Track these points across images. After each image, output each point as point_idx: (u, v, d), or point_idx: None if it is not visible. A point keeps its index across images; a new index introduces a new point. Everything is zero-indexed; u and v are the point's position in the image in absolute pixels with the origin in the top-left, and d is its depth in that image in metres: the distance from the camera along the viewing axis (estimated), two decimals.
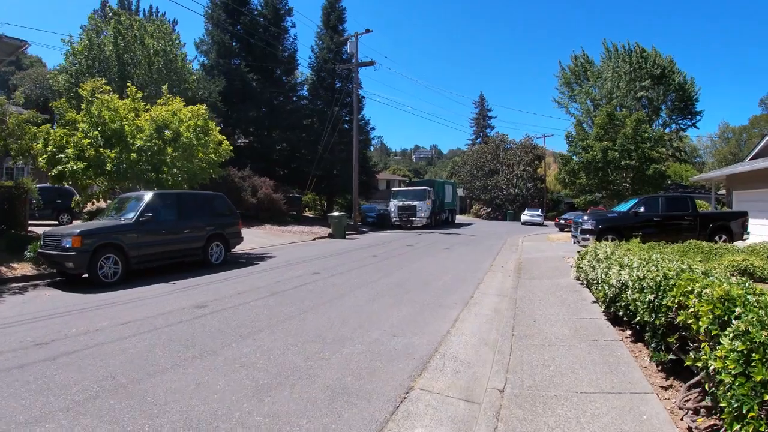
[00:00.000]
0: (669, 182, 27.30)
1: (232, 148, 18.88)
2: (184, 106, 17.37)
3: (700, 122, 44.62)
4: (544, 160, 61.19)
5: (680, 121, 45.69)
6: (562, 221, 35.62)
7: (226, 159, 18.88)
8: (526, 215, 46.62)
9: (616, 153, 24.19)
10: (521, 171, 58.30)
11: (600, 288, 7.23)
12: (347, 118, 37.96)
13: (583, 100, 43.82)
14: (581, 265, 9.35)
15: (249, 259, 15.77)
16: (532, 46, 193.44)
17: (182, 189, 16.64)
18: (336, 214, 24.99)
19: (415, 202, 33.49)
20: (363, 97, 40.14)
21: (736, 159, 63.53)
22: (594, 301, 8.13)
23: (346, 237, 24.70)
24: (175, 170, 16.59)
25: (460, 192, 62.73)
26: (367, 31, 32.00)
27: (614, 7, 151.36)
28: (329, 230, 25.19)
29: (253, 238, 22.02)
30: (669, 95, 43.63)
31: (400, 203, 34.10)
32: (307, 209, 43.08)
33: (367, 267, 13.63)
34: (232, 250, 15.63)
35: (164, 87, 19.20)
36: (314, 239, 23.92)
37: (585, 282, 9.15)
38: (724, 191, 34.84)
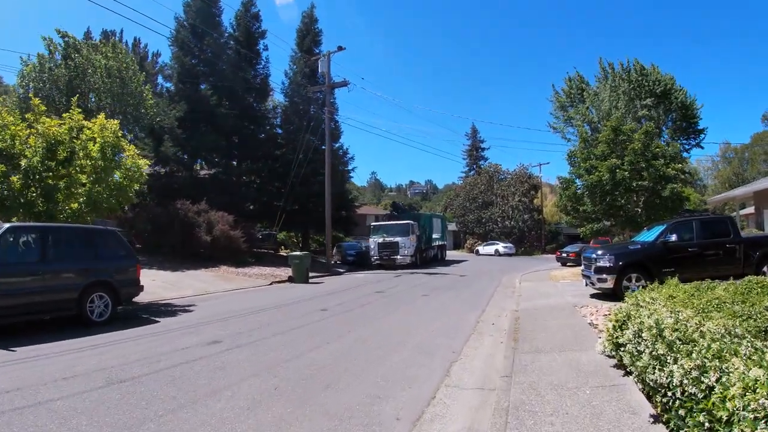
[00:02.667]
0: (686, 205, 23.50)
1: (146, 172, 15.29)
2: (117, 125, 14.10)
3: (703, 141, 41.36)
4: (540, 190, 57.69)
5: (683, 141, 42.45)
6: (564, 255, 31.95)
7: (142, 186, 15.30)
8: (503, 248, 50.18)
9: (626, 173, 20.45)
10: (516, 202, 54.71)
11: (685, 409, 3.38)
12: (323, 148, 34.45)
13: (579, 123, 40.47)
14: (620, 339, 5.46)
15: (157, 313, 12.14)
16: (525, 71, 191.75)
17: (85, 222, 13.14)
18: (297, 254, 21.05)
19: (398, 239, 29.52)
20: (336, 121, 36.59)
21: (740, 180, 60.25)
22: (654, 419, 4.24)
23: (310, 281, 20.73)
24: (81, 199, 13.24)
25: (452, 226, 59.09)
26: (340, 48, 28.78)
27: (610, 27, 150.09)
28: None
29: (193, 283, 18.26)
30: (670, 115, 40.54)
31: (381, 240, 30.11)
32: (282, 247, 39.15)
33: (302, 329, 9.66)
34: (135, 300, 12.34)
35: (74, 99, 15.66)
36: (271, 284, 20.01)
37: (632, 369, 5.19)
38: (747, 210, 31.36)
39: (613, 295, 12.10)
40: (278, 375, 6.36)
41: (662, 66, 47.51)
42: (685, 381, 3.56)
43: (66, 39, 27.14)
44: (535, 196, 56.57)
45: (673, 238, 12.58)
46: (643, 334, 4.98)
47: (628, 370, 5.38)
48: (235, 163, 34.26)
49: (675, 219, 14.01)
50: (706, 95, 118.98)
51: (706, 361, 3.51)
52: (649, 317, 5.25)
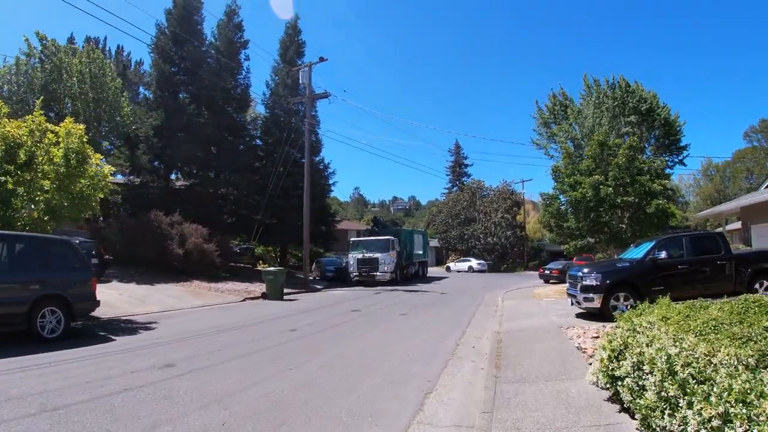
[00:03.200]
0: (671, 221, 23.07)
1: (120, 181, 14.54)
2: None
3: (686, 159, 41.41)
4: (523, 207, 57.39)
5: (665, 158, 42.46)
6: (547, 272, 31.51)
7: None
8: (477, 264, 50.25)
9: (610, 188, 19.99)
10: (499, 218, 54.33)
11: None
12: (303, 161, 33.72)
13: (563, 140, 40.26)
14: (617, 372, 4.78)
15: (115, 330, 11.34)
16: (512, 84, 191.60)
17: (45, 232, 12.41)
18: (271, 269, 20.21)
19: (377, 255, 28.74)
20: (317, 134, 35.98)
21: (722, 196, 60.53)
22: None
23: (285, 298, 19.88)
24: (41, 206, 12.58)
25: (434, 242, 58.53)
26: (321, 59, 28.24)
27: (593, 46, 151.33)
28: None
29: (162, 298, 17.38)
30: (653, 132, 40.57)
31: (360, 255, 29.31)
32: (261, 262, 38.16)
33: (266, 352, 8.87)
34: (96, 315, 11.92)
35: (38, 101, 14.87)
36: (243, 300, 19.15)
37: (631, 406, 4.50)
38: (732, 226, 31.19)
39: (601, 315, 11.53)
40: (229, 407, 5.60)
41: (643, 81, 47.58)
42: (703, 431, 2.91)
43: (44, 42, 26.30)
44: (517, 213, 56.28)
45: (663, 255, 12.02)
46: (644, 367, 4.35)
47: (625, 406, 4.72)
48: (212, 174, 33.31)
49: (664, 235, 13.48)
50: (687, 112, 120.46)
51: (728, 406, 2.87)
52: (648, 345, 4.63)
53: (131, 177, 30.37)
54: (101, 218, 29.96)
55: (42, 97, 17.14)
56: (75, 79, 25.51)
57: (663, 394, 3.55)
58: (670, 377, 3.58)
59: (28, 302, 9.40)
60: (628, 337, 5.08)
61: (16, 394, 5.99)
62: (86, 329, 11.40)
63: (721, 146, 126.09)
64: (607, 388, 5.15)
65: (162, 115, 29.30)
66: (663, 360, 3.79)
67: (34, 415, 5.25)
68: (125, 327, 11.87)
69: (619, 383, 4.69)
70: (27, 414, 5.28)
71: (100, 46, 43.81)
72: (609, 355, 4.99)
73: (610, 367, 4.92)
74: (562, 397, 5.49)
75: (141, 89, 40.85)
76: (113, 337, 10.32)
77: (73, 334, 10.48)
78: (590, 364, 7.07)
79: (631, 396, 4.43)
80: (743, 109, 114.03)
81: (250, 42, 35.45)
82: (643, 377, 4.36)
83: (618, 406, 5.03)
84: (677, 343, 4.35)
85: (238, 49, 34.88)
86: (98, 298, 11.00)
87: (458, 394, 6.30)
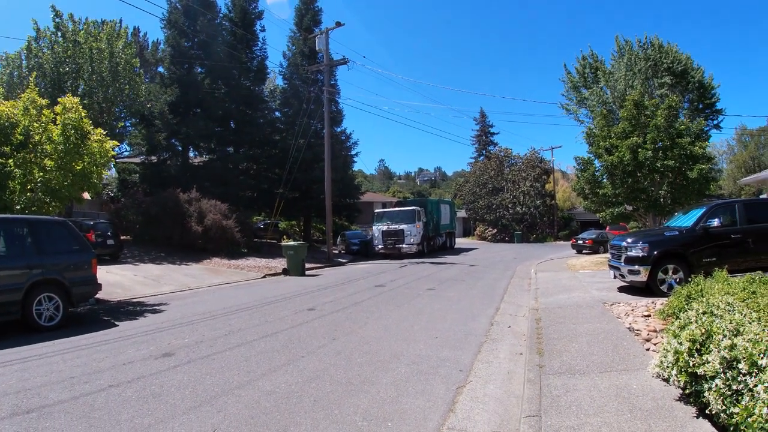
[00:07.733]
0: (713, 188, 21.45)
1: (114, 153, 13.69)
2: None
3: (720, 124, 39.11)
4: (552, 175, 55.57)
5: (703, 120, 40.34)
6: (580, 242, 30.40)
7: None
8: None
9: (649, 152, 18.53)
10: (528, 187, 52.66)
11: None
12: (324, 132, 32.70)
13: (594, 104, 38.42)
14: (700, 369, 3.73)
15: (121, 315, 10.73)
16: (535, 52, 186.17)
17: (47, 214, 11.72)
18: (291, 243, 19.37)
19: (403, 226, 27.70)
20: (338, 103, 34.94)
21: (757, 164, 57.85)
22: None
23: (307, 273, 19.11)
24: (37, 186, 11.87)
25: (462, 213, 57.34)
26: (338, 24, 26.94)
27: (625, 8, 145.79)
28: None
29: (178, 278, 16.79)
30: (687, 95, 38.46)
31: (385, 227, 28.31)
32: (285, 237, 37.55)
33: (278, 336, 7.98)
34: (105, 298, 11.78)
35: (32, 77, 14.08)
36: (264, 276, 18.45)
37: (723, 416, 3.48)
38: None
39: (647, 289, 10.47)
40: (224, 409, 4.75)
41: (679, 45, 45.07)
42: None
43: (57, 20, 25.29)
44: (547, 181, 54.49)
45: (715, 222, 10.75)
46: (740, 366, 3.35)
47: (710, 413, 3.70)
48: (230, 149, 32.57)
49: (715, 203, 12.18)
50: (721, 78, 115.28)
51: None
52: (736, 335, 3.63)
53: (148, 156, 29.86)
54: (121, 198, 29.52)
55: (35, 74, 16.29)
56: (88, 57, 24.49)
57: None
58: None
59: (21, 289, 8.79)
60: (710, 324, 4.05)
61: None
62: (90, 315, 10.83)
63: (754, 112, 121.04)
64: (684, 388, 4.13)
65: (177, 91, 28.61)
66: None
67: (2, 420, 4.60)
68: (132, 310, 11.20)
69: (705, 384, 3.67)
70: None
71: (117, 29, 42.87)
72: (689, 348, 3.95)
73: (691, 363, 3.89)
74: (623, 396, 4.49)
75: (160, 69, 40.13)
76: (116, 323, 9.64)
77: (74, 320, 9.94)
78: (648, 349, 6.07)
79: (724, 404, 3.42)
80: None
81: (265, 12, 34.24)
82: (739, 379, 3.36)
83: (694, 409, 4.04)
84: None
85: (253, 20, 33.90)
86: (108, 281, 10.48)
87: (496, 387, 5.32)
